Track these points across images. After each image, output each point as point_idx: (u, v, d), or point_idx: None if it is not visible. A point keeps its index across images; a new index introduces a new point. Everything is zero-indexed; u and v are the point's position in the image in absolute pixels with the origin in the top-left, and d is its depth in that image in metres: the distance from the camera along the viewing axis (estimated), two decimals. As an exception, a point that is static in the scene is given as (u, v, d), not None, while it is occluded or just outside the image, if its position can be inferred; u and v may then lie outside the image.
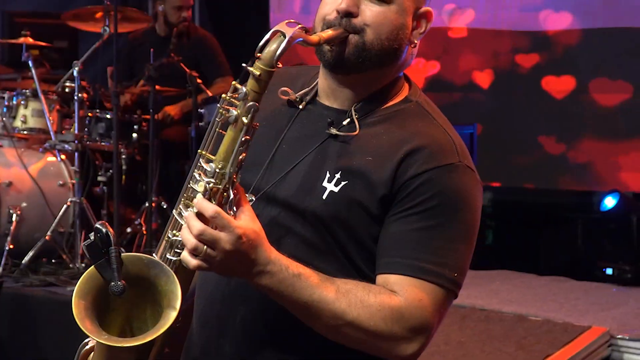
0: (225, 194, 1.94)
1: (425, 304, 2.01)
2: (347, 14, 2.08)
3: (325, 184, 2.08)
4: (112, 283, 1.92)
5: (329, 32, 2.07)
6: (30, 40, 6.54)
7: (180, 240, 1.96)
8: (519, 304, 5.59)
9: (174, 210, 2.01)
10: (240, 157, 1.95)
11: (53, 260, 6.28)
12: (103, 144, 6.47)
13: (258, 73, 1.94)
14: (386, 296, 2.00)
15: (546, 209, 8.13)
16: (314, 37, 2.02)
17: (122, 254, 1.96)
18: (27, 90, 6.45)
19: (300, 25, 1.98)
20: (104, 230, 1.93)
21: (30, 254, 6.03)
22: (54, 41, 8.83)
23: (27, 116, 6.43)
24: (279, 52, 1.94)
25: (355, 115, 2.14)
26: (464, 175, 2.08)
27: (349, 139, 2.11)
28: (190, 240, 1.90)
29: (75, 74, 6.18)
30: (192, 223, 1.90)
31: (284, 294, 1.97)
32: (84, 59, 6.27)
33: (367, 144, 2.10)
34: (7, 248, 6.04)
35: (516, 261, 7.26)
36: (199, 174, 1.96)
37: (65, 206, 6.16)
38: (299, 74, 2.28)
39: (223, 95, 1.96)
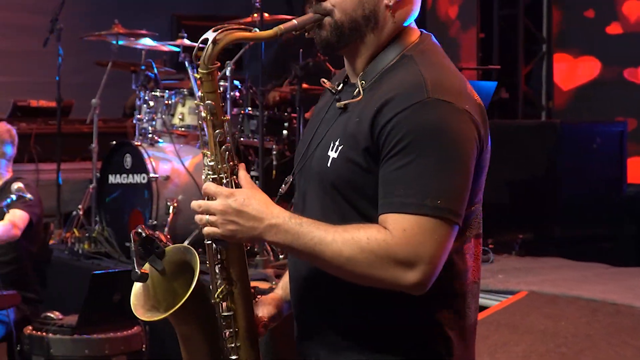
0: (220, 178, 2.28)
1: (409, 234, 2.14)
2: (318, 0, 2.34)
3: (329, 152, 2.30)
4: (132, 272, 2.35)
5: (293, 22, 2.31)
6: (187, 42, 6.90)
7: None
8: (653, 299, 5.58)
9: None
10: (222, 147, 2.29)
11: (208, 251, 6.61)
12: (255, 140, 6.78)
13: (199, 76, 2.28)
14: (374, 231, 2.17)
15: None
16: (269, 32, 2.29)
17: (167, 247, 2.41)
18: (185, 90, 6.81)
19: (225, 28, 2.27)
20: (138, 233, 2.37)
21: (185, 243, 6.35)
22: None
23: (185, 114, 6.79)
24: (207, 55, 2.26)
25: (361, 82, 2.33)
26: (433, 108, 2.18)
27: (353, 107, 2.33)
28: (197, 217, 2.27)
29: (227, 73, 6.52)
30: (192, 204, 2.27)
31: (292, 243, 2.21)
32: (235, 59, 6.61)
33: (361, 108, 2.29)
34: (164, 238, 6.40)
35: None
36: (203, 169, 2.32)
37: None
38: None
39: (195, 102, 2.28)
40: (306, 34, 2.35)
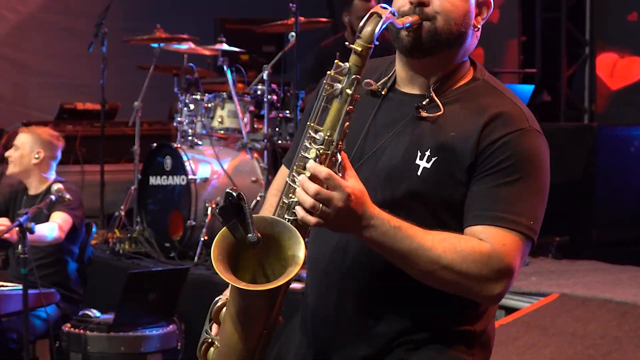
0: (333, 158, 2.23)
1: (508, 248, 2.28)
2: (420, 4, 2.37)
3: (417, 161, 2.37)
4: (249, 235, 2.20)
5: (408, 18, 2.35)
6: (225, 46, 7.01)
7: (296, 202, 2.23)
8: (686, 303, 5.56)
9: (287, 178, 2.29)
10: (345, 125, 2.24)
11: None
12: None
13: (360, 49, 2.23)
14: (475, 242, 2.28)
15: None
16: (399, 20, 2.32)
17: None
18: (224, 93, 6.92)
19: (391, 9, 2.29)
20: (235, 194, 2.22)
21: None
22: (263, 46, 9.35)
23: (224, 117, 6.90)
24: (377, 30, 2.24)
25: (436, 96, 2.42)
26: (534, 138, 2.37)
27: (433, 119, 2.40)
28: (308, 200, 2.18)
29: (265, 77, 6.61)
30: (308, 185, 2.19)
31: (386, 244, 2.25)
32: (273, 63, 6.70)
33: (449, 122, 2.39)
34: (202, 239, 6.51)
35: None
36: (309, 143, 2.25)
37: (255, 201, 6.54)
38: (375, 67, 2.55)
39: (328, 72, 2.26)
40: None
